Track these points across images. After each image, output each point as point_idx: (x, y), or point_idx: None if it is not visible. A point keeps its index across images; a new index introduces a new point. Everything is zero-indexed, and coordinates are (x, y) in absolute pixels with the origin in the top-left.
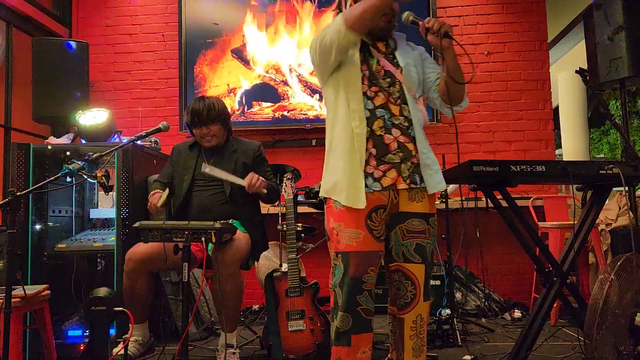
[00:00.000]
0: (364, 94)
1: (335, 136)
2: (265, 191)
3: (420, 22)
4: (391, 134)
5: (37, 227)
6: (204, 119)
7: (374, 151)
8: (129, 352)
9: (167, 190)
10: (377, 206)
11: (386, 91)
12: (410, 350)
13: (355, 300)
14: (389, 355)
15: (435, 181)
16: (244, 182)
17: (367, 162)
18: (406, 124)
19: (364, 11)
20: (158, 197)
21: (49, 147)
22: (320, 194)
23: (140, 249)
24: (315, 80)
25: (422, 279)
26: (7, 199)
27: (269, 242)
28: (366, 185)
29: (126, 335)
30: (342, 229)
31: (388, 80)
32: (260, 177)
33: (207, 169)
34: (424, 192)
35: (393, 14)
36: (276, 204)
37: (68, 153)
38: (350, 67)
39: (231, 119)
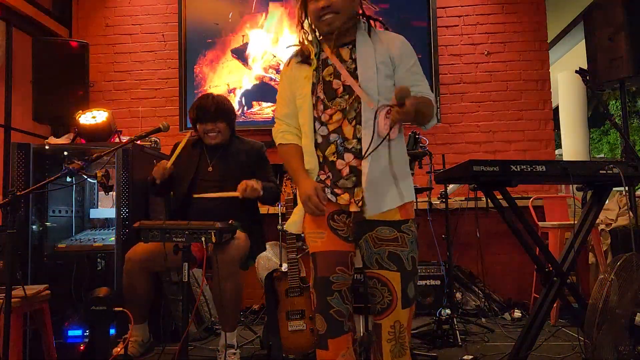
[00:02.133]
0: (318, 119)
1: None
2: (261, 193)
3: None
4: (343, 159)
5: (37, 227)
6: (212, 114)
7: (330, 175)
8: (129, 352)
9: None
10: (338, 210)
11: (342, 111)
12: (389, 353)
13: (326, 302)
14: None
15: (377, 204)
16: (237, 193)
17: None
18: (359, 146)
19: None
20: (165, 162)
21: (49, 147)
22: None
23: (140, 248)
24: None
25: (398, 286)
26: (7, 199)
27: (269, 242)
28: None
29: (126, 335)
30: (308, 232)
31: (346, 97)
32: (253, 184)
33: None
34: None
35: (335, 12)
36: (276, 204)
37: (67, 153)
38: (301, 106)
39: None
